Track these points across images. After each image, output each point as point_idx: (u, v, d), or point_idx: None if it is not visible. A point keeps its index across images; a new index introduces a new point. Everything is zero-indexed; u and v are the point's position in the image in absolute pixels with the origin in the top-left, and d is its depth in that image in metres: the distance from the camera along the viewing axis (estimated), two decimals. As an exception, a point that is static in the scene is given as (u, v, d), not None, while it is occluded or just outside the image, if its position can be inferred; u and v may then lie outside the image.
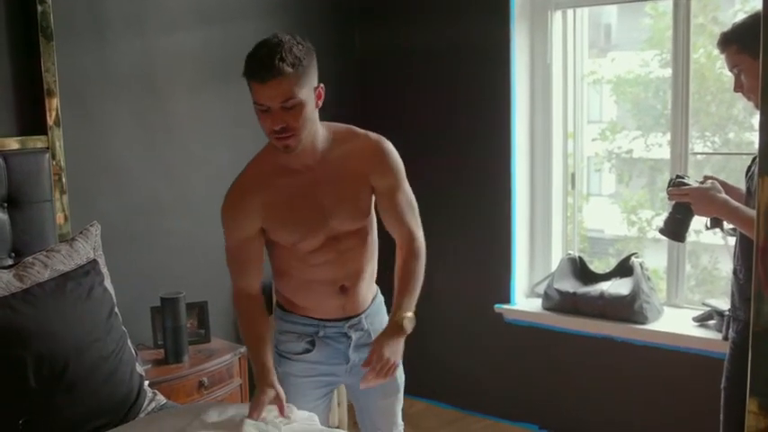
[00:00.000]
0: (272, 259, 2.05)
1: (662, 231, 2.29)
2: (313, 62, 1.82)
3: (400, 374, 2.18)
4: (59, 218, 2.47)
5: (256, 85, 1.76)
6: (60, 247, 2.24)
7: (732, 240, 2.21)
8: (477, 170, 3.35)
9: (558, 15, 3.25)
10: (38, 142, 2.42)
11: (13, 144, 2.36)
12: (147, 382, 2.25)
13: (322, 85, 1.86)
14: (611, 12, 3.86)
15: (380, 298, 2.15)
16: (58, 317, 2.02)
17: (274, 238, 1.97)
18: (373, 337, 2.01)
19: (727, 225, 2.19)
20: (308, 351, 2.06)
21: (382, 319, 2.10)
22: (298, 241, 1.96)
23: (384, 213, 2.04)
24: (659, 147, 3.41)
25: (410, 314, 1.96)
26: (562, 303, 3.15)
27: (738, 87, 2.07)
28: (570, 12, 3.26)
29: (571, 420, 3.21)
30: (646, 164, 3.66)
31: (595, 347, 3.10)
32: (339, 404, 3.22)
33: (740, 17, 2.22)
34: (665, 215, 2.30)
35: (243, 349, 2.75)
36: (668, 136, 3.07)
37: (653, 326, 2.95)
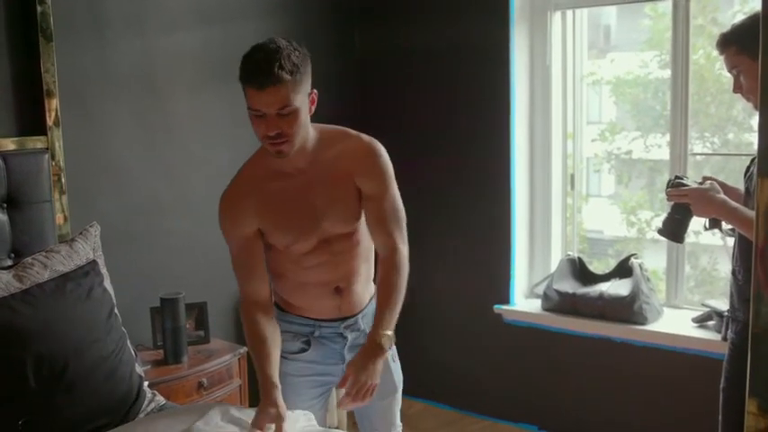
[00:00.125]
0: (268, 261, 2.05)
1: (660, 232, 2.29)
2: (308, 68, 1.81)
3: (398, 375, 2.19)
4: (59, 218, 2.47)
5: (253, 91, 1.75)
6: (60, 247, 2.24)
7: (731, 241, 2.21)
8: (476, 171, 3.35)
9: (557, 16, 3.25)
10: (37, 143, 2.42)
11: (12, 144, 2.36)
12: (146, 383, 2.25)
13: (315, 90, 1.86)
14: (611, 13, 3.87)
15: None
16: (57, 317, 2.02)
17: (269, 240, 1.98)
18: None
19: (725, 225, 2.19)
20: (303, 351, 2.06)
21: None
22: (291, 243, 1.96)
23: (368, 218, 1.99)
24: (658, 147, 3.41)
25: (389, 332, 1.90)
26: (561, 304, 3.15)
27: (737, 88, 2.07)
28: (570, 13, 3.26)
29: (570, 421, 3.21)
30: (645, 165, 3.66)
31: (595, 348, 3.10)
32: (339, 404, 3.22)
33: (739, 18, 2.22)
34: (663, 216, 2.30)
35: (242, 350, 2.75)
36: (667, 137, 3.07)
37: (652, 327, 2.96)
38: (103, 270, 2.28)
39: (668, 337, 2.90)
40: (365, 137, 2.00)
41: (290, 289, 2.06)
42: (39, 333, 1.95)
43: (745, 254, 2.07)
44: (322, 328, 2.06)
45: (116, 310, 2.22)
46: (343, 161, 1.95)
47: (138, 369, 2.22)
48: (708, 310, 2.88)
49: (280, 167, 1.93)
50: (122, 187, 2.76)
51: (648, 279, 3.04)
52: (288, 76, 1.73)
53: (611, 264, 3.27)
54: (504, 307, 3.31)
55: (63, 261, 2.17)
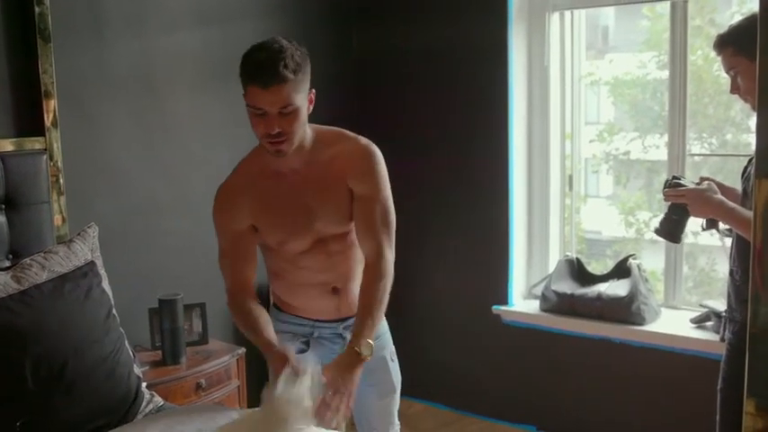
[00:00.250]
0: (266, 261, 2.07)
1: (658, 232, 2.30)
2: (309, 68, 1.83)
3: (397, 375, 2.19)
4: (57, 219, 2.46)
5: (256, 90, 1.76)
6: (58, 248, 2.23)
7: (729, 242, 2.22)
8: (474, 171, 3.35)
9: (555, 17, 3.25)
10: (35, 143, 2.42)
11: (10, 145, 2.36)
12: (144, 384, 2.25)
13: (314, 90, 1.87)
14: (609, 13, 3.87)
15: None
16: (55, 318, 2.02)
17: (264, 238, 1.99)
18: None
19: (722, 226, 2.19)
20: (302, 351, 2.06)
21: None
22: (284, 242, 1.97)
23: (356, 221, 1.98)
24: (657, 148, 3.41)
25: (369, 341, 1.86)
26: (560, 305, 3.15)
27: (735, 89, 2.07)
28: (568, 13, 3.26)
29: (569, 422, 3.21)
30: (643, 165, 3.66)
31: (593, 349, 3.10)
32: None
33: (737, 19, 2.22)
34: (661, 216, 2.31)
35: (241, 351, 2.75)
36: (666, 137, 3.08)
37: (650, 327, 2.96)
38: (102, 271, 2.28)
39: (666, 337, 2.90)
40: (362, 139, 2.00)
41: (287, 289, 2.06)
42: (37, 334, 1.94)
43: (742, 254, 2.08)
44: (321, 329, 2.07)
45: (114, 311, 2.22)
46: (338, 162, 1.95)
47: (137, 370, 2.22)
48: (706, 310, 2.88)
49: (275, 166, 1.94)
50: (121, 188, 2.76)
51: (647, 280, 3.04)
52: (291, 75, 1.75)
53: (610, 264, 3.27)
54: (503, 308, 3.31)
55: (61, 262, 2.17)
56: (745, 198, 2.11)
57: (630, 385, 3.04)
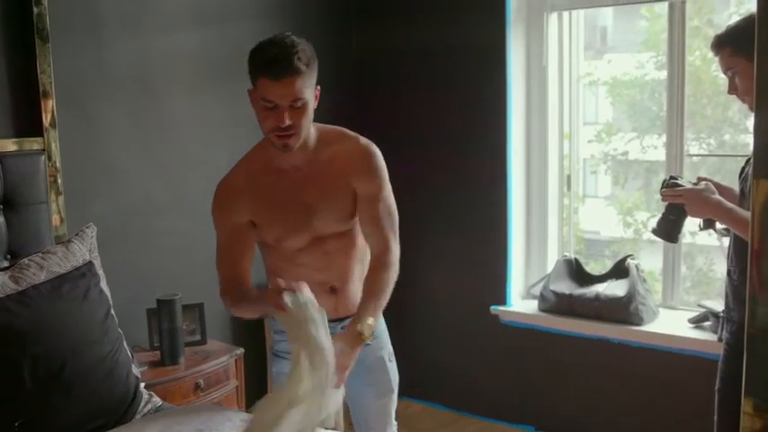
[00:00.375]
0: (264, 260, 2.07)
1: (655, 232, 2.30)
2: (316, 64, 1.87)
3: (395, 375, 2.19)
4: (55, 219, 2.46)
5: (269, 82, 1.79)
6: (56, 248, 2.23)
7: (727, 242, 2.22)
8: (473, 171, 3.35)
9: (553, 17, 3.25)
10: (33, 144, 2.41)
11: (8, 146, 2.35)
12: (143, 384, 2.25)
13: (319, 86, 1.90)
14: (607, 14, 3.87)
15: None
16: (54, 319, 2.01)
17: (262, 234, 2.00)
18: None
19: (719, 225, 2.19)
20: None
21: None
22: (282, 238, 1.98)
23: (362, 219, 2.01)
24: (655, 149, 3.41)
25: (371, 321, 1.86)
26: (558, 305, 3.15)
27: (733, 90, 2.07)
28: (566, 14, 3.26)
29: (567, 422, 3.21)
30: (641, 166, 3.66)
31: (591, 349, 3.10)
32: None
33: (735, 19, 2.22)
34: (658, 216, 2.31)
35: (239, 351, 2.75)
36: (664, 138, 3.08)
37: (648, 327, 2.96)
38: (100, 271, 2.28)
39: (664, 337, 2.90)
40: (362, 139, 2.03)
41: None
42: (35, 334, 1.94)
43: (740, 254, 2.08)
44: None
45: (112, 312, 2.22)
46: (339, 162, 1.98)
47: (135, 370, 2.22)
48: (704, 310, 2.89)
49: (278, 163, 1.96)
50: (119, 188, 2.76)
51: (645, 280, 3.05)
52: (304, 68, 1.80)
53: (608, 264, 3.27)
54: (501, 308, 3.31)
55: (59, 262, 2.17)
56: (742, 198, 2.11)
57: (628, 385, 3.04)
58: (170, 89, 2.91)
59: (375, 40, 3.57)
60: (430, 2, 3.43)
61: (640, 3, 3.27)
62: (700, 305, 2.96)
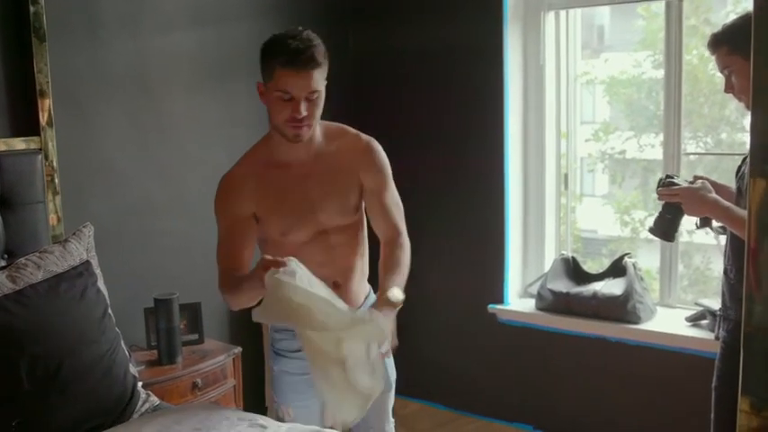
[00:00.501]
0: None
1: (652, 231, 2.30)
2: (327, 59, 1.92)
3: (392, 371, 2.19)
4: (52, 219, 2.46)
5: (289, 74, 1.83)
6: (53, 248, 2.23)
7: (723, 239, 2.22)
8: (470, 170, 3.35)
9: (550, 16, 3.25)
10: (30, 143, 2.41)
11: (5, 145, 2.35)
12: (140, 384, 2.25)
13: (326, 81, 1.93)
14: (604, 13, 3.87)
15: (373, 297, 2.15)
16: (51, 318, 2.01)
17: (265, 228, 2.00)
18: None
19: (715, 224, 2.20)
20: (302, 349, 2.06)
21: None
22: (286, 231, 1.99)
23: (371, 211, 2.07)
24: (652, 147, 3.41)
25: (396, 289, 1.88)
26: (555, 303, 3.15)
27: (729, 88, 2.07)
28: (563, 13, 3.26)
29: (565, 420, 3.22)
30: (639, 164, 3.66)
31: (589, 347, 3.10)
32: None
33: (731, 18, 2.23)
34: (655, 215, 2.31)
35: (237, 350, 2.75)
36: (661, 137, 3.08)
37: (646, 326, 2.96)
38: (97, 270, 2.28)
39: (662, 336, 2.90)
40: (363, 135, 2.08)
41: None
42: (32, 334, 1.94)
43: (736, 252, 2.08)
44: None
45: (110, 311, 2.22)
46: (343, 157, 2.02)
47: (133, 369, 2.22)
48: (701, 309, 2.89)
49: (282, 158, 1.99)
50: (116, 188, 2.76)
51: (642, 278, 3.05)
52: (324, 61, 1.86)
53: (605, 263, 3.28)
54: (499, 306, 3.31)
55: (56, 262, 2.17)
56: (739, 197, 2.12)
57: (626, 383, 3.04)
58: (168, 89, 2.91)
59: (372, 40, 3.57)
60: (426, 1, 3.42)
61: (637, 1, 3.27)
62: (697, 303, 2.96)
